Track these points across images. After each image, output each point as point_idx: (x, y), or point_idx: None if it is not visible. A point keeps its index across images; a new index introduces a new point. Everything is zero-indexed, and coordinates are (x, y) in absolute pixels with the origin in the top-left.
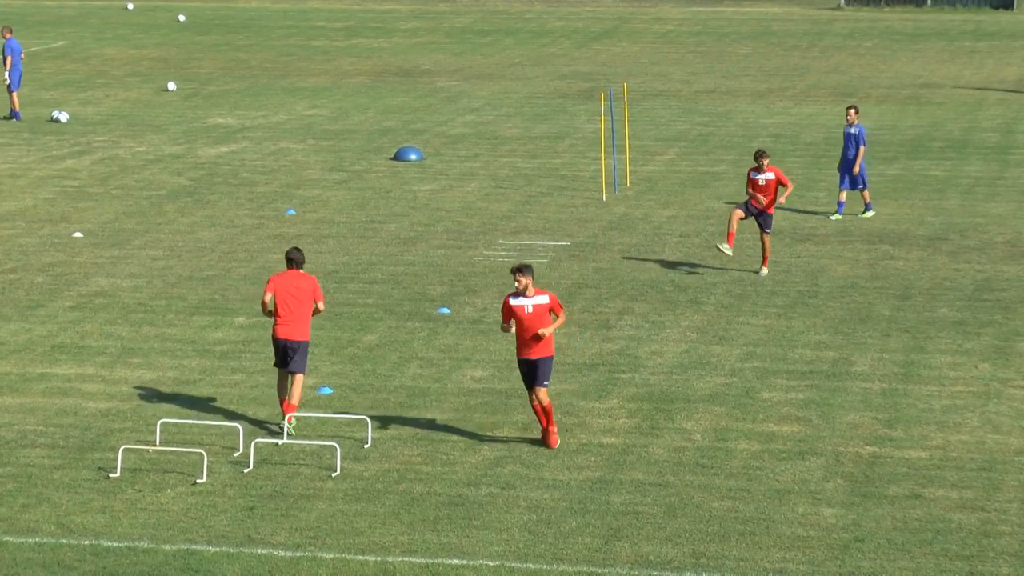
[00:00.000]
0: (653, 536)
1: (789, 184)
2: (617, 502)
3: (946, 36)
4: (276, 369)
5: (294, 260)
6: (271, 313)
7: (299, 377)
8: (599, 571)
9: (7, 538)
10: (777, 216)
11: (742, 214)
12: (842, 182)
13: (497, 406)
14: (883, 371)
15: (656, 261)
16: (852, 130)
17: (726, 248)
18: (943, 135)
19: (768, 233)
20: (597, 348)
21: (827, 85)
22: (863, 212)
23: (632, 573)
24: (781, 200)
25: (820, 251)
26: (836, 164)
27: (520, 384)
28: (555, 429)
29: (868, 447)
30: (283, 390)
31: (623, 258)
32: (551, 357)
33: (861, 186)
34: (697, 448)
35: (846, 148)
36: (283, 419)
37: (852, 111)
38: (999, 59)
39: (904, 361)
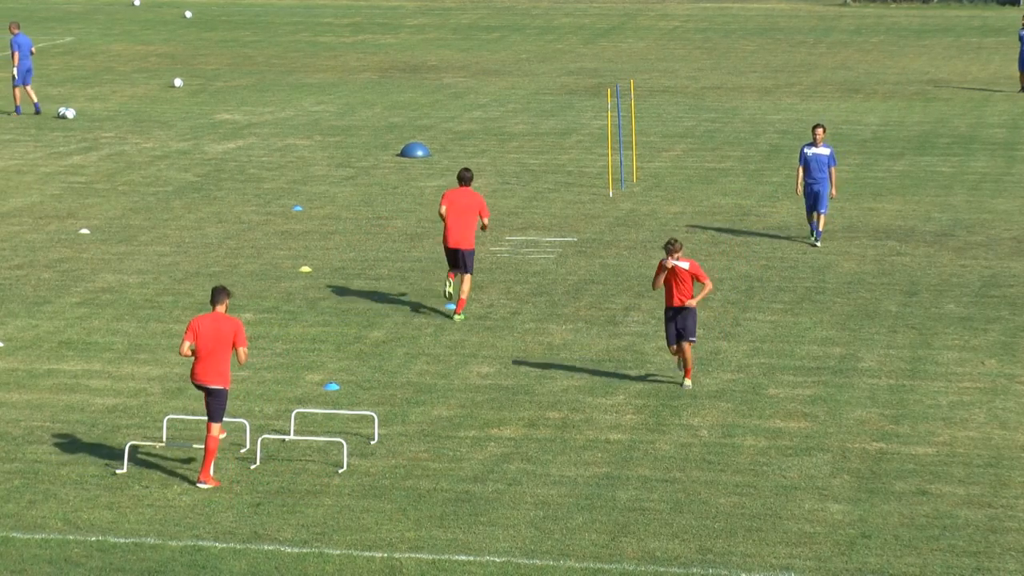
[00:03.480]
0: (660, 532)
1: (708, 282)
2: (623, 498)
3: (952, 32)
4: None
5: (464, 179)
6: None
7: (468, 276)
8: (605, 567)
9: (14, 534)
10: (784, 211)
11: (674, 340)
12: (810, 206)
13: (504, 402)
14: (890, 367)
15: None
16: (821, 150)
17: (688, 384)
18: (950, 131)
19: (692, 342)
20: (604, 344)
21: (834, 81)
22: (813, 237)
23: (639, 569)
24: (693, 302)
25: (827, 247)
26: (795, 188)
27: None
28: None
29: (875, 443)
30: (456, 289)
31: (630, 254)
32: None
33: (823, 210)
34: (704, 444)
35: (811, 170)
36: (453, 315)
37: (820, 130)
38: (1005, 55)
39: (911, 357)
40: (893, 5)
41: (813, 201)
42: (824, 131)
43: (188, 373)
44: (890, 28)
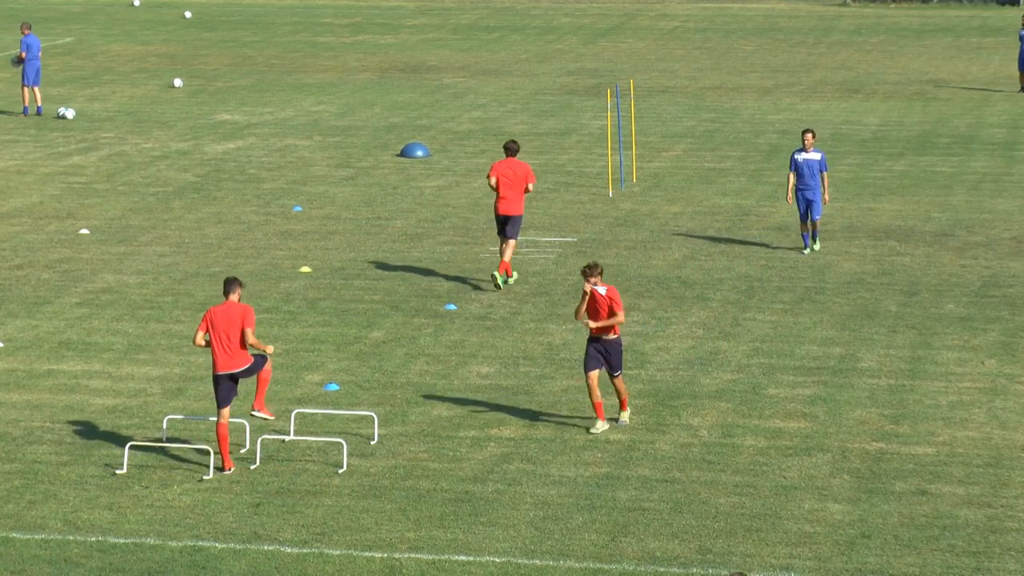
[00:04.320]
0: (659, 532)
1: (621, 313)
2: (623, 498)
3: (952, 32)
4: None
5: (510, 149)
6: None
7: (512, 242)
8: (605, 567)
9: (14, 535)
10: (784, 211)
11: (596, 373)
12: (804, 214)
13: (504, 402)
14: (889, 367)
15: (662, 257)
16: (812, 155)
17: (600, 426)
18: (949, 131)
19: (619, 375)
20: None
21: (833, 81)
22: (813, 244)
23: (638, 569)
24: (593, 325)
25: (826, 247)
26: (787, 195)
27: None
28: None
29: (875, 443)
30: (502, 252)
31: (629, 254)
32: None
33: (816, 216)
34: (703, 444)
35: (803, 176)
36: (498, 274)
37: (809, 135)
38: (1005, 55)
39: (911, 357)
40: (893, 5)
41: (806, 207)
42: (814, 136)
43: (188, 373)
44: (890, 28)
